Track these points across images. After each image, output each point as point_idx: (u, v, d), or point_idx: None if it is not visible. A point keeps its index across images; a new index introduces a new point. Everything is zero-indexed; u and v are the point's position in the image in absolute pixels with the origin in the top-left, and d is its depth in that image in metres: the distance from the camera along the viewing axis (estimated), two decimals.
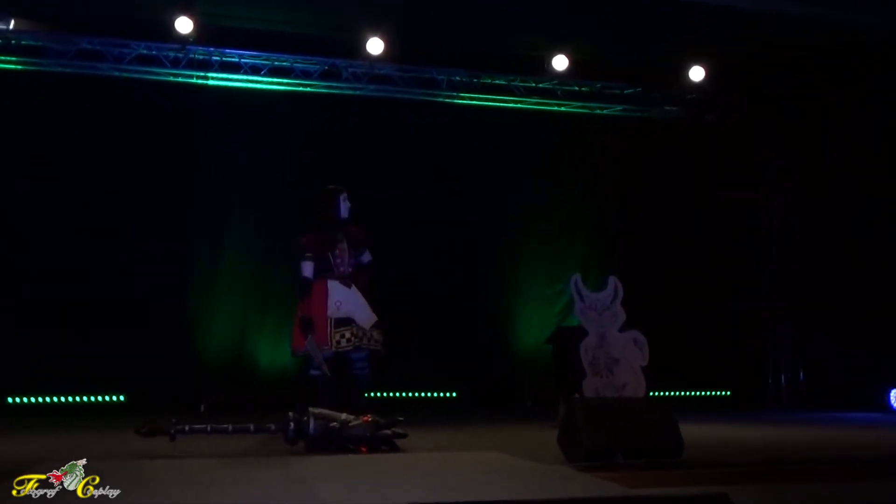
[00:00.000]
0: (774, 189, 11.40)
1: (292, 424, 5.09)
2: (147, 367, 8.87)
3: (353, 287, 6.53)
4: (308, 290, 6.50)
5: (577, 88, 10.56)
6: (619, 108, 10.83)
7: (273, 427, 5.20)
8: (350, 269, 6.58)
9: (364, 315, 6.45)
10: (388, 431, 5.21)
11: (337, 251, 6.56)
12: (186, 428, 5.08)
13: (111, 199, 9.27)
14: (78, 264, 9.01)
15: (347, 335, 6.34)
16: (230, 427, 5.19)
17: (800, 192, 11.13)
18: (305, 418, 5.09)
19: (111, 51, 9.20)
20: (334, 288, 6.48)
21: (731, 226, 11.12)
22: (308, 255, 6.51)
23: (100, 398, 8.98)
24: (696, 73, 10.31)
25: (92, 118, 9.29)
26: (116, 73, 9.31)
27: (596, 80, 10.52)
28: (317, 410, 5.18)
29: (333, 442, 5.09)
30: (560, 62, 9.97)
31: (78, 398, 8.90)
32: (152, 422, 5.08)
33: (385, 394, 9.69)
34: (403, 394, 9.92)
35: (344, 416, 5.23)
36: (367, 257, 6.75)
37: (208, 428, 5.16)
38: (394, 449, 5.21)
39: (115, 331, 8.86)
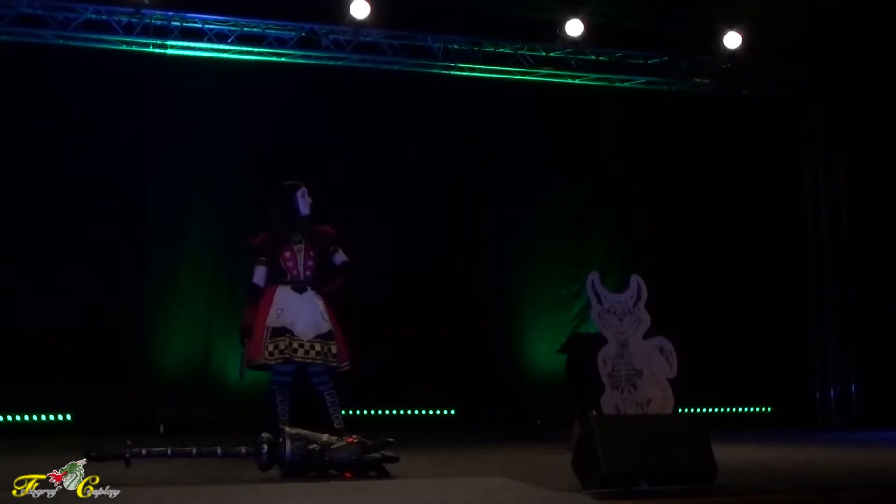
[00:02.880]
0: (825, 176, 11.44)
1: (266, 447, 5.11)
2: (97, 383, 8.89)
3: (309, 292, 6.67)
4: (256, 298, 6.70)
5: (593, 58, 10.58)
6: (643, 80, 10.86)
7: (244, 450, 5.22)
8: (308, 274, 6.73)
9: (307, 325, 6.60)
10: (377, 455, 5.23)
11: (289, 253, 6.71)
12: (143, 451, 5.09)
13: (53, 189, 9.27)
14: (15, 262, 9.03)
15: (281, 346, 6.51)
16: (194, 450, 5.20)
17: (855, 181, 11.16)
18: (281, 440, 5.11)
19: (55, 15, 9.20)
20: (281, 295, 6.65)
21: (773, 217, 11.16)
22: (261, 258, 6.74)
23: (43, 417, 9.00)
24: (732, 40, 10.33)
25: (32, 93, 9.30)
26: (61, 42, 9.32)
27: (616, 48, 10.54)
28: (294, 431, 5.21)
29: (314, 467, 5.12)
30: (574, 27, 10.00)
31: (17, 417, 8.93)
32: (104, 445, 5.10)
33: (373, 411, 9.72)
34: (394, 411, 9.95)
35: (325, 437, 5.26)
36: (339, 258, 6.87)
37: (169, 451, 5.18)
38: (383, 475, 5.24)
39: (59, 341, 8.89)
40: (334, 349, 6.60)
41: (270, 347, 6.50)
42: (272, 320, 6.56)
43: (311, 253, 6.74)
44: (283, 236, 6.74)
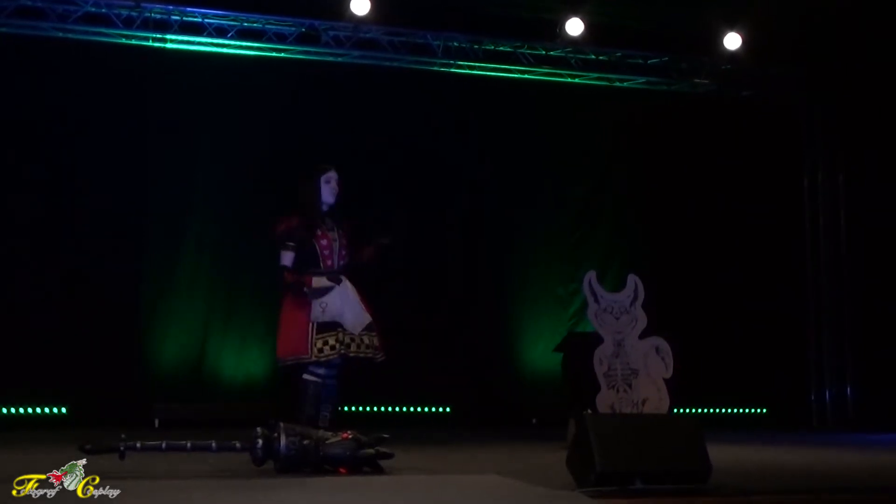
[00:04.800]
0: (824, 177, 11.45)
1: (260, 441, 5.11)
2: (93, 376, 8.88)
3: (345, 282, 6.33)
4: (298, 280, 6.20)
5: (593, 57, 10.58)
6: (642, 80, 10.86)
7: (238, 445, 5.21)
8: (342, 264, 6.38)
9: (355, 317, 6.26)
10: (372, 451, 5.24)
11: (326, 241, 6.35)
12: (138, 445, 5.08)
13: (52, 183, 9.27)
14: (12, 256, 9.02)
15: (332, 342, 6.15)
16: (189, 444, 5.20)
17: (854, 182, 11.17)
18: (276, 434, 5.11)
19: (54, 8, 9.19)
20: (323, 284, 6.22)
21: (771, 218, 11.16)
22: (289, 244, 6.29)
23: (38, 410, 8.99)
24: (732, 41, 10.33)
25: (31, 86, 9.27)
26: (60, 34, 9.30)
27: (616, 48, 10.55)
28: (289, 426, 5.20)
29: (308, 462, 5.12)
30: (574, 26, 9.99)
31: (13, 409, 8.91)
32: (99, 437, 5.10)
33: (368, 408, 9.73)
34: (389, 408, 9.95)
35: (320, 432, 5.25)
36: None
37: (163, 445, 5.17)
38: (377, 471, 5.24)
39: (55, 333, 8.87)
40: (376, 341, 6.30)
41: (320, 344, 6.11)
42: (317, 315, 6.12)
43: (344, 242, 6.39)
44: (316, 221, 6.33)
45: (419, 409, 10.11)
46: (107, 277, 9.26)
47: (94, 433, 5.60)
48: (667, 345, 7.05)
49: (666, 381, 7.03)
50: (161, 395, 9.22)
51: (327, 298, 6.21)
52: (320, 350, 6.16)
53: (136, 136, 9.59)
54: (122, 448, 5.02)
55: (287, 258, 6.26)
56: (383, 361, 6.37)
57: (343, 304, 6.25)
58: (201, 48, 9.71)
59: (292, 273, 6.24)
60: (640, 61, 10.74)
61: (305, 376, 6.23)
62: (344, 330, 6.19)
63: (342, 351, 6.16)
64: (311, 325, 6.16)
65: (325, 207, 6.42)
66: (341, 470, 5.12)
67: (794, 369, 11.11)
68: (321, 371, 6.21)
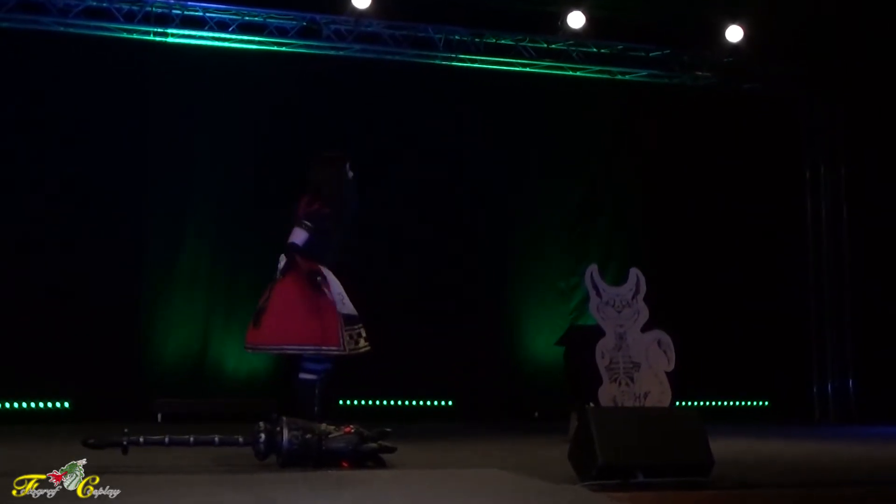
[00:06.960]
0: (826, 172, 11.44)
1: (263, 436, 5.13)
2: (95, 370, 8.90)
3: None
4: (312, 268, 6.02)
5: (595, 50, 10.56)
6: (644, 73, 10.84)
7: (241, 439, 5.24)
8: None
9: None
10: (374, 445, 5.26)
11: (340, 233, 6.25)
12: (141, 439, 5.11)
13: (51, 176, 9.26)
14: (13, 251, 9.03)
15: (355, 336, 6.04)
16: (191, 438, 5.23)
17: (855, 179, 11.16)
18: (278, 429, 5.13)
19: (55, 2, 9.18)
20: (331, 278, 6.10)
21: (773, 212, 11.16)
22: (307, 223, 6.07)
23: (41, 404, 9.01)
24: (735, 34, 10.32)
25: (32, 80, 9.28)
26: (61, 29, 9.29)
27: (617, 41, 10.53)
28: (291, 420, 5.22)
29: (310, 457, 5.14)
30: (576, 19, 9.98)
31: (16, 404, 8.93)
32: (102, 432, 5.12)
33: (370, 402, 9.74)
34: (391, 402, 9.96)
35: (323, 426, 5.28)
36: None
37: (166, 439, 5.20)
38: (380, 465, 5.26)
39: (58, 328, 8.88)
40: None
41: (346, 337, 6.02)
42: (340, 306, 5.99)
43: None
44: (346, 214, 6.18)
45: (421, 403, 10.12)
46: (108, 272, 9.26)
47: (98, 427, 5.62)
48: (668, 338, 7.09)
49: (668, 374, 7.07)
50: (163, 390, 9.23)
51: (341, 290, 6.07)
52: (356, 343, 6.04)
53: (137, 130, 9.58)
54: (124, 442, 5.04)
55: (300, 236, 6.07)
56: (382, 355, 6.42)
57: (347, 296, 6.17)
58: (202, 42, 9.69)
59: (303, 255, 6.09)
60: (642, 54, 10.72)
61: (304, 376, 6.21)
62: (361, 324, 6.12)
63: (366, 346, 6.10)
64: (339, 317, 6.01)
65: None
66: (344, 464, 5.14)
67: (796, 363, 11.11)
68: (320, 368, 6.20)
